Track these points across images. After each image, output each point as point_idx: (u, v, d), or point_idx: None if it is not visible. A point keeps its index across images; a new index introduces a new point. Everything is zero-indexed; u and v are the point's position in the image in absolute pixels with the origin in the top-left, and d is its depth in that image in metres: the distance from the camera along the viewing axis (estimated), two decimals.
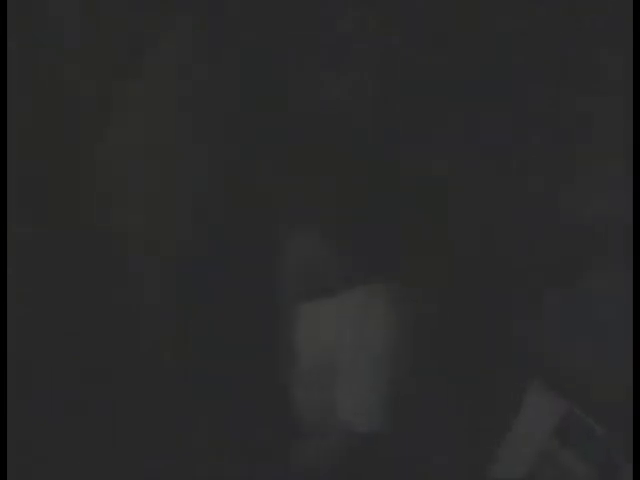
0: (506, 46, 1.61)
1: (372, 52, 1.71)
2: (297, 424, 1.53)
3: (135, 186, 1.70)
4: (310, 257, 1.33)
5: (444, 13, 1.63)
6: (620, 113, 1.47)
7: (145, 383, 1.64)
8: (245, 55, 1.74)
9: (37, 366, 1.56)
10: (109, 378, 1.61)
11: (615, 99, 1.51)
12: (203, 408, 1.59)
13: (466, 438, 1.73)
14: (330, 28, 1.73)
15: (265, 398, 1.56)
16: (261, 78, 1.78)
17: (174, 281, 1.83)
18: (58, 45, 1.44)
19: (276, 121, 1.75)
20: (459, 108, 1.67)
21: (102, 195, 1.64)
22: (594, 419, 1.58)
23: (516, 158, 1.68)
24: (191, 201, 1.78)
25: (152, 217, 1.75)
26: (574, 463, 1.61)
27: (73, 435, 1.55)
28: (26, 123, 1.41)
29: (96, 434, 1.57)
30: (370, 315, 1.34)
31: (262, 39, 1.75)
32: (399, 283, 1.35)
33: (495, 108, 1.66)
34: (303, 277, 1.36)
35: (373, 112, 1.71)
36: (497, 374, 1.75)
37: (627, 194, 1.40)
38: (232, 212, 1.83)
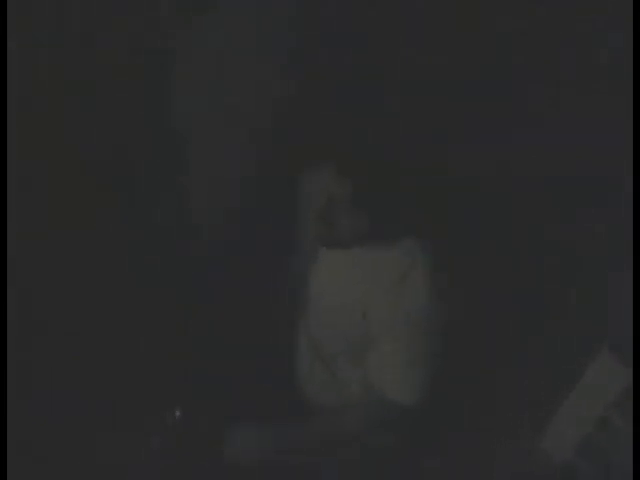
0: (506, 46, 1.61)
1: (372, 52, 1.72)
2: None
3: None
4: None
5: (444, 13, 1.64)
6: (620, 113, 1.48)
7: (145, 383, 1.64)
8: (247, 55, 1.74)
9: (37, 366, 1.56)
10: (109, 378, 1.62)
11: (615, 99, 1.51)
12: (203, 408, 1.59)
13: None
14: (330, 28, 1.74)
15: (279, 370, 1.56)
16: (261, 78, 1.79)
17: (174, 281, 1.83)
18: (58, 45, 1.44)
19: (277, 121, 1.76)
20: (459, 108, 1.67)
21: (103, 194, 1.64)
22: None
23: (516, 158, 1.68)
24: (191, 202, 1.78)
25: (152, 216, 1.75)
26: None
27: (73, 435, 1.55)
28: (26, 123, 1.41)
29: (96, 434, 1.57)
30: (407, 282, 1.27)
31: (261, 40, 1.76)
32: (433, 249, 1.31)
33: (495, 108, 1.66)
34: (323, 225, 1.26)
35: (373, 112, 1.71)
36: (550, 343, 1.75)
37: (627, 193, 1.40)
38: (232, 211, 1.83)
